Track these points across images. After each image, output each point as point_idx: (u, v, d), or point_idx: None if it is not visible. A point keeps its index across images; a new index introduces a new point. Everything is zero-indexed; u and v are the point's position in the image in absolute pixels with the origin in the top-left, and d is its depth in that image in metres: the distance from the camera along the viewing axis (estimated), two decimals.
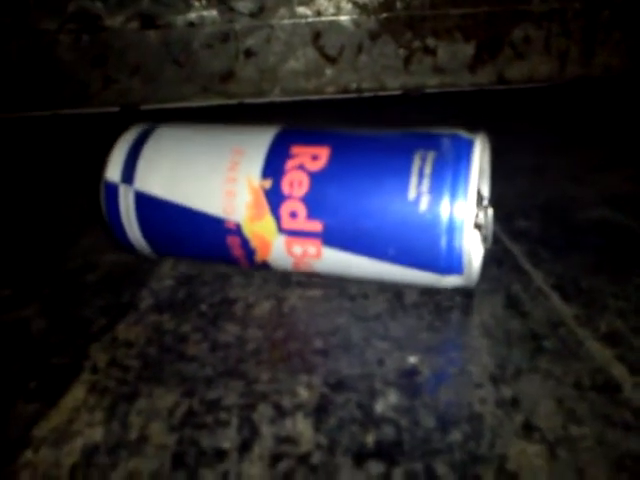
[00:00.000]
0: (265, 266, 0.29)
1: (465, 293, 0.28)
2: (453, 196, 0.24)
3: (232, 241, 0.28)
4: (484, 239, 0.30)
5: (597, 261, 0.31)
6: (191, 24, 0.98)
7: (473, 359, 0.23)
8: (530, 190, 0.44)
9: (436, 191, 0.25)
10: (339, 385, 0.22)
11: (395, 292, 0.29)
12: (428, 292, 0.29)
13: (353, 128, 0.30)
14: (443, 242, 0.25)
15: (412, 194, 0.25)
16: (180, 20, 0.98)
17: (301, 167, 0.27)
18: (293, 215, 0.27)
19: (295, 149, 0.27)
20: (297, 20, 0.97)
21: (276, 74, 1.00)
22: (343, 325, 0.26)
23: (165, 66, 1.00)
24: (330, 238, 0.26)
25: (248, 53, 0.99)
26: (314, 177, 0.27)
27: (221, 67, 1.00)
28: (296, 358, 0.24)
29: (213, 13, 0.98)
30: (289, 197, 0.27)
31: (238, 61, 0.99)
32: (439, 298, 0.28)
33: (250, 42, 0.98)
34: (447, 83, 0.99)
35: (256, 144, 0.28)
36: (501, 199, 0.42)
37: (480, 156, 0.26)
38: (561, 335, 0.24)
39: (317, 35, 0.97)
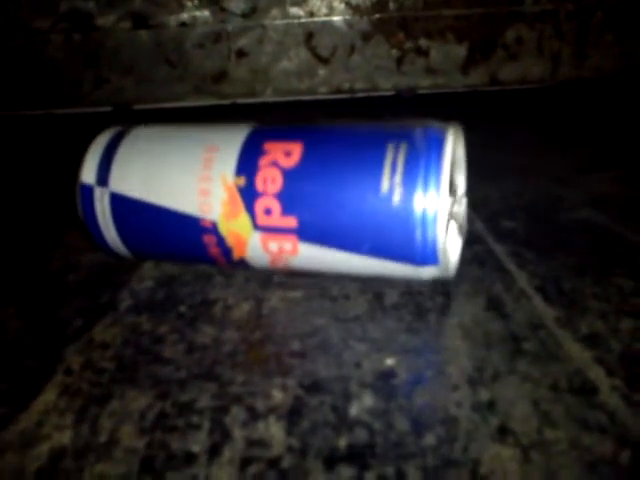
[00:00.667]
0: (243, 264, 0.29)
1: (446, 294, 0.28)
2: (426, 187, 0.24)
3: (208, 240, 0.28)
4: (459, 229, 0.29)
5: (580, 262, 0.31)
6: (183, 24, 0.98)
7: (451, 361, 0.23)
8: (516, 190, 0.43)
9: (409, 183, 0.25)
10: (314, 387, 0.22)
11: (376, 293, 0.28)
12: (409, 293, 0.28)
13: (327, 122, 0.30)
14: (418, 233, 0.25)
15: (385, 186, 0.25)
16: (172, 20, 0.97)
17: (274, 163, 0.27)
18: (268, 212, 0.26)
19: (268, 145, 0.27)
20: (290, 20, 0.97)
21: (268, 74, 1.00)
22: (322, 326, 0.26)
23: (157, 66, 0.99)
24: (305, 233, 0.26)
25: (240, 53, 0.98)
26: (287, 173, 0.26)
27: (213, 67, 0.99)
28: (272, 360, 0.23)
29: (205, 13, 0.97)
30: (263, 194, 0.26)
31: (230, 61, 0.99)
32: (420, 299, 0.28)
33: (242, 42, 0.98)
34: (439, 84, 0.99)
35: (229, 141, 0.28)
36: (486, 199, 0.42)
37: (453, 146, 0.26)
38: (541, 337, 0.24)
39: (310, 35, 0.97)
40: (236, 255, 0.28)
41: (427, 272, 0.26)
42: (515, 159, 0.53)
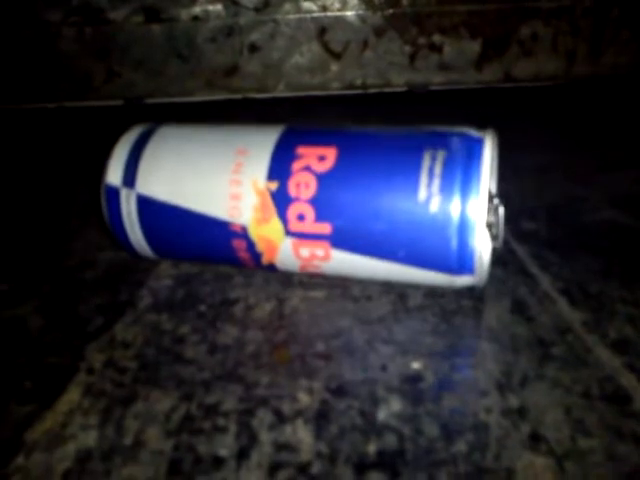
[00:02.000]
0: (272, 268, 0.29)
1: (470, 296, 0.28)
2: (464, 196, 0.24)
3: (238, 244, 0.28)
4: (494, 238, 0.29)
5: (605, 265, 0.30)
6: (195, 18, 0.97)
7: (478, 365, 0.23)
8: (536, 190, 0.43)
9: (447, 191, 0.24)
10: (340, 391, 0.21)
11: (399, 294, 0.28)
12: (432, 294, 0.28)
13: (360, 126, 0.30)
14: (454, 242, 0.24)
15: (422, 194, 0.24)
16: (184, 14, 0.97)
17: (308, 168, 0.26)
18: (301, 218, 0.26)
19: (301, 149, 0.27)
20: (302, 15, 0.96)
21: (281, 69, 0.99)
22: (346, 328, 0.25)
23: (169, 60, 0.99)
24: (339, 240, 0.26)
25: (252, 48, 0.98)
26: (321, 178, 0.26)
27: (225, 62, 0.99)
28: (297, 362, 0.23)
29: (218, 7, 0.97)
30: (296, 199, 0.26)
31: (242, 56, 0.99)
32: (444, 301, 0.27)
33: (255, 37, 0.97)
34: (453, 80, 0.98)
35: (261, 145, 0.28)
36: (506, 199, 0.41)
37: (490, 154, 0.25)
38: (569, 341, 0.24)
39: (322, 30, 0.96)
40: (266, 260, 0.28)
41: (462, 281, 0.26)
42: (532, 158, 0.52)
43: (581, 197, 0.41)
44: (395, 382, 0.22)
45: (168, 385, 0.22)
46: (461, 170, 0.24)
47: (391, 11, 0.95)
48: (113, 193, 0.29)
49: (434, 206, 0.24)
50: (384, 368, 0.23)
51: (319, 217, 0.26)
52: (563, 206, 0.40)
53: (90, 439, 0.19)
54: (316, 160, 0.26)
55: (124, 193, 0.29)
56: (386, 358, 0.23)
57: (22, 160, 0.63)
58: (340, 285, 0.29)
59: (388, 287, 0.29)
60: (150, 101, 1.01)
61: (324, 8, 0.96)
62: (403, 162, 0.25)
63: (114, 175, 0.29)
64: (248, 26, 0.97)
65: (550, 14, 0.93)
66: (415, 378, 0.22)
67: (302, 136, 0.28)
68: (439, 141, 0.26)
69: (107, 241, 0.36)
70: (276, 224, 0.27)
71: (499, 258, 0.31)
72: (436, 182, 0.24)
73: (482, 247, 0.24)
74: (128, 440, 0.19)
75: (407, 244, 0.25)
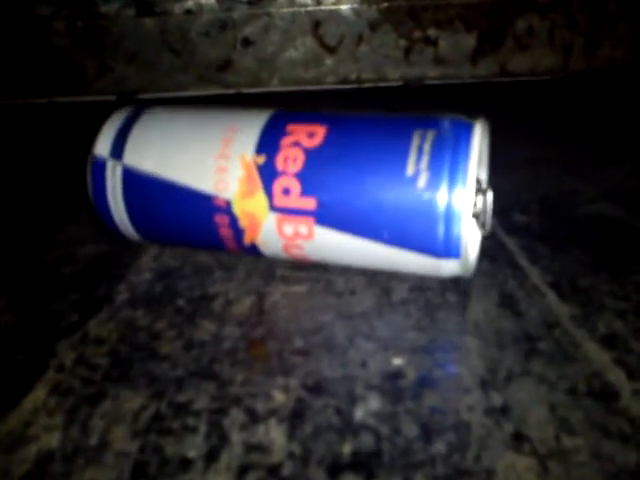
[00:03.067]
0: (253, 250, 0.28)
1: (457, 290, 0.27)
2: (453, 175, 0.23)
3: (220, 220, 0.27)
4: (482, 225, 0.28)
5: (596, 258, 0.29)
6: (188, 12, 0.96)
7: (462, 361, 0.22)
8: (528, 184, 0.42)
9: (435, 169, 0.24)
10: (318, 388, 0.20)
11: (384, 288, 0.27)
12: (418, 288, 0.27)
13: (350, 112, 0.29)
14: (441, 222, 0.24)
15: (410, 170, 0.24)
16: (177, 7, 0.96)
17: (297, 144, 0.26)
18: (286, 192, 0.25)
19: (291, 127, 0.27)
20: (296, 9, 0.95)
21: (274, 64, 0.98)
22: (327, 323, 0.25)
23: (162, 54, 0.98)
24: (323, 216, 0.25)
25: (246, 42, 0.97)
26: (310, 153, 0.25)
27: (219, 56, 0.98)
28: (274, 358, 0.22)
29: (211, 1, 0.96)
30: (283, 173, 0.25)
31: (236, 50, 0.98)
32: (429, 295, 0.27)
33: (248, 31, 0.96)
34: (448, 75, 0.97)
35: (251, 122, 0.27)
36: (498, 192, 0.40)
37: (480, 141, 0.24)
38: (556, 336, 0.23)
39: (317, 24, 0.95)
40: (247, 238, 0.27)
41: (447, 266, 0.25)
42: (526, 151, 0.51)
43: (574, 190, 0.40)
44: (375, 379, 0.21)
45: (139, 383, 0.21)
46: (450, 151, 0.24)
47: (386, 4, 0.94)
48: (100, 165, 0.29)
49: (421, 182, 0.24)
50: (364, 364, 0.22)
51: (305, 191, 0.25)
52: (555, 199, 0.39)
53: (53, 440, 0.19)
54: (305, 136, 0.26)
55: (110, 165, 0.29)
56: (366, 354, 0.22)
57: (12, 155, 0.62)
58: (323, 279, 0.28)
59: (373, 280, 0.28)
60: (143, 96, 1.00)
61: (318, 2, 0.95)
62: (392, 139, 0.25)
63: (102, 147, 0.29)
64: (242, 20, 0.96)
65: (546, 7, 0.92)
66: (396, 375, 0.21)
67: (293, 116, 0.28)
68: (429, 123, 0.25)
69: (90, 234, 0.35)
70: (261, 198, 0.26)
71: (488, 251, 0.31)
72: (425, 159, 0.24)
73: (469, 230, 0.24)
74: (93, 441, 0.18)
75: (392, 222, 0.24)
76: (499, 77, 0.98)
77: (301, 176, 0.25)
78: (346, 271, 0.28)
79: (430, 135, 0.24)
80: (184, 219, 0.28)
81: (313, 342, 0.23)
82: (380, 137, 0.25)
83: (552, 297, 0.26)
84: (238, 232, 0.27)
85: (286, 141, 0.26)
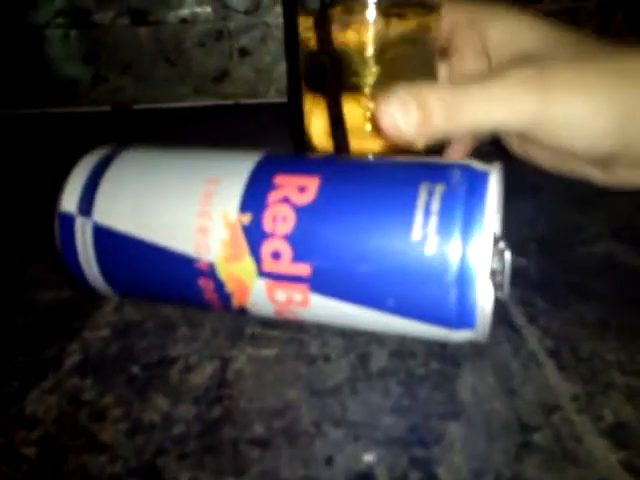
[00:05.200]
0: (243, 312, 0.25)
1: (443, 356, 0.24)
2: (465, 237, 0.20)
3: (204, 284, 0.24)
4: (498, 287, 0.25)
5: (601, 316, 0.26)
6: (184, 21, 0.94)
7: (443, 459, 0.19)
8: (529, 217, 0.39)
9: (445, 231, 0.21)
10: None
11: (361, 354, 0.24)
12: (399, 354, 0.24)
13: (346, 157, 0.26)
14: (453, 292, 0.21)
15: (417, 235, 0.21)
16: (172, 16, 0.93)
17: (286, 200, 0.23)
18: (276, 256, 0.22)
19: (279, 179, 0.23)
20: None
21: (272, 74, 0.95)
22: (293, 402, 0.22)
23: (157, 65, 0.96)
24: (319, 284, 0.22)
25: (243, 52, 0.94)
26: (301, 212, 0.22)
27: (215, 66, 0.95)
28: (227, 451, 0.19)
29: (207, 10, 0.93)
30: (271, 235, 0.22)
31: (232, 60, 0.95)
32: (411, 364, 0.24)
33: (245, 41, 0.94)
34: None
35: (234, 172, 0.24)
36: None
37: (496, 193, 0.21)
38: (555, 425, 0.20)
39: None
40: (236, 303, 0.25)
41: (460, 335, 0.22)
42: (528, 176, 0.48)
43: (578, 225, 0.37)
44: None
45: None
46: (462, 207, 0.21)
47: None
48: (67, 221, 0.26)
49: (430, 248, 0.21)
50: (329, 461, 0.19)
51: (297, 256, 0.22)
52: (557, 237, 0.36)
53: None
54: (296, 191, 0.23)
55: (79, 222, 0.26)
56: (334, 447, 0.19)
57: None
58: (296, 340, 0.25)
59: (350, 343, 0.25)
60: (138, 107, 0.98)
61: None
62: (395, 196, 0.22)
63: (69, 201, 0.26)
64: (238, 30, 0.94)
65: (552, 16, 0.89)
66: (365, 477, 0.18)
67: (281, 164, 0.25)
68: (437, 174, 0.22)
69: (54, 277, 0.32)
70: (248, 263, 0.23)
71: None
72: (433, 220, 0.21)
73: (485, 297, 0.21)
74: None
75: (397, 292, 0.22)
76: None
77: (292, 239, 0.22)
78: (322, 330, 0.26)
79: (439, 190, 0.21)
80: (165, 281, 0.26)
81: (275, 428, 0.20)
82: (381, 193, 0.22)
83: (551, 369, 0.23)
84: (225, 297, 0.24)
85: (274, 197, 0.23)
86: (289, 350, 0.25)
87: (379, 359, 0.24)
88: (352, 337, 0.25)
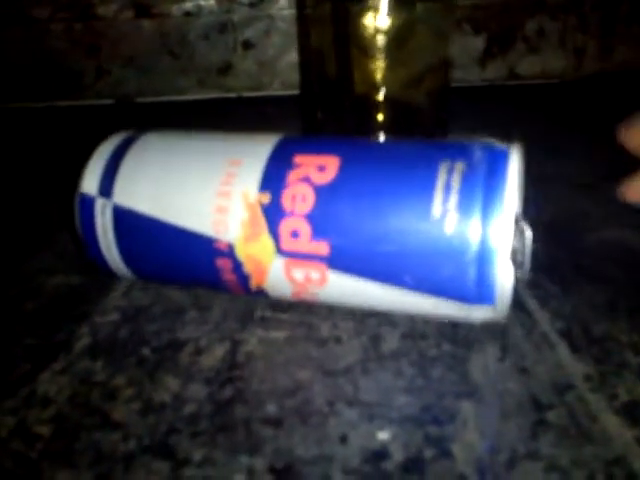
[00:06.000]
0: (261, 294, 0.25)
1: (454, 338, 0.24)
2: (486, 215, 0.20)
3: (223, 264, 0.24)
4: (519, 266, 0.25)
5: (612, 298, 0.26)
6: (187, 13, 0.93)
7: (458, 436, 0.19)
8: (535, 202, 0.39)
9: (465, 208, 0.20)
10: (287, 472, 0.17)
11: (372, 335, 0.24)
12: (411, 335, 0.24)
13: (367, 138, 0.26)
14: (472, 269, 0.21)
15: (437, 211, 0.21)
16: (175, 9, 0.93)
17: (305, 179, 0.23)
18: (295, 234, 0.22)
19: (299, 158, 0.23)
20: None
21: (276, 67, 0.95)
22: (305, 382, 0.22)
23: (160, 57, 0.95)
24: (338, 262, 0.22)
25: (247, 45, 0.94)
26: (320, 191, 0.22)
27: (218, 59, 0.95)
28: (240, 429, 0.19)
29: (210, 2, 0.93)
30: (291, 214, 0.22)
31: (236, 53, 0.95)
32: (423, 345, 0.23)
33: (249, 33, 0.93)
34: (455, 78, 0.94)
35: (255, 153, 0.24)
36: None
37: (517, 171, 0.21)
38: (569, 404, 0.20)
39: None
40: (254, 283, 0.24)
41: (480, 313, 0.22)
42: (535, 164, 0.48)
43: (586, 212, 0.37)
44: (355, 460, 0.18)
45: (82, 461, 0.18)
46: (483, 185, 0.21)
47: None
48: (88, 204, 0.26)
49: (450, 225, 0.21)
50: (344, 440, 0.19)
51: (316, 234, 0.22)
52: (566, 222, 0.36)
53: None
54: (315, 170, 0.23)
55: (99, 203, 0.26)
56: (348, 425, 0.19)
57: (6, 163, 0.59)
58: (306, 322, 0.25)
59: (361, 325, 0.25)
60: (141, 100, 0.97)
61: None
62: (415, 174, 0.22)
63: (90, 183, 0.26)
64: (242, 22, 0.93)
65: (557, 9, 0.89)
66: (379, 454, 0.18)
67: (301, 144, 0.25)
68: (457, 152, 0.22)
69: (63, 263, 0.32)
70: (266, 241, 0.23)
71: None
72: (453, 198, 0.21)
73: (504, 274, 0.21)
74: None
75: (417, 268, 0.21)
76: (508, 80, 0.94)
77: (311, 217, 0.22)
78: (332, 313, 0.26)
79: (459, 167, 0.21)
80: (184, 262, 0.25)
81: (288, 407, 0.20)
82: (401, 171, 0.22)
83: (563, 350, 0.23)
84: (243, 277, 0.24)
85: (293, 176, 0.23)
86: (299, 332, 0.25)
87: (391, 341, 0.24)
88: (363, 319, 0.25)
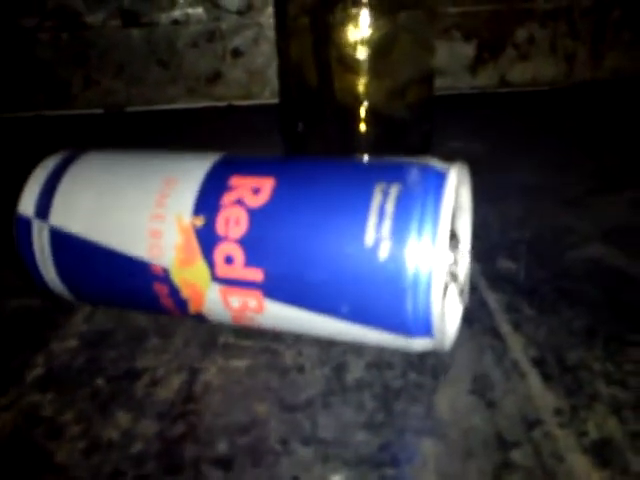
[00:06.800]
0: (202, 318, 0.24)
1: (422, 367, 0.23)
2: (420, 241, 0.19)
3: (160, 289, 0.23)
4: (460, 292, 0.24)
5: (590, 322, 0.25)
6: (175, 22, 0.93)
7: (416, 478, 0.18)
8: (520, 218, 0.38)
9: (399, 235, 0.19)
10: None
11: (337, 365, 0.23)
12: (377, 365, 0.23)
13: (304, 156, 0.25)
14: (408, 298, 0.20)
15: (370, 238, 0.20)
16: (164, 18, 0.93)
17: (239, 202, 0.22)
18: (229, 260, 0.21)
19: (235, 180, 0.22)
20: None
21: (265, 75, 0.94)
22: (262, 417, 0.21)
23: (149, 66, 0.95)
24: (273, 290, 0.21)
25: (235, 53, 0.93)
26: (254, 214, 0.21)
27: (207, 68, 0.94)
28: (188, 471, 0.18)
29: (198, 10, 0.92)
30: (224, 238, 0.21)
31: (225, 62, 0.94)
32: (389, 375, 0.22)
33: (237, 42, 0.93)
34: (445, 85, 0.93)
35: (190, 174, 0.23)
36: (485, 230, 0.36)
37: (456, 189, 0.21)
38: (536, 441, 0.19)
39: None
40: (192, 309, 0.24)
41: (419, 344, 0.21)
42: (523, 175, 0.47)
43: (569, 227, 0.36)
44: None
45: None
46: (418, 209, 0.20)
47: None
48: (25, 225, 0.25)
49: (383, 253, 0.20)
50: None
51: (249, 261, 0.21)
52: (548, 239, 0.35)
53: None
54: (250, 192, 0.22)
55: (36, 225, 0.25)
56: (301, 467, 0.18)
57: None
58: (271, 350, 0.24)
59: (327, 353, 0.24)
60: (131, 109, 0.97)
61: None
62: (349, 198, 0.21)
63: (27, 204, 0.25)
64: (231, 30, 0.93)
65: (547, 15, 0.88)
66: None
67: (238, 165, 0.24)
68: (394, 173, 0.21)
69: (24, 284, 0.31)
70: (201, 267, 0.22)
71: (466, 310, 0.26)
72: (387, 224, 0.20)
73: (443, 303, 0.20)
74: None
75: (352, 298, 0.20)
76: (499, 88, 0.94)
77: (244, 242, 0.21)
78: (298, 339, 0.24)
79: (394, 190, 0.20)
80: (122, 286, 0.25)
81: (240, 446, 0.19)
82: (335, 194, 0.21)
83: (534, 379, 0.22)
84: (181, 302, 0.23)
85: (228, 198, 0.22)
86: (262, 360, 0.24)
87: (355, 370, 0.23)
88: (328, 346, 0.24)
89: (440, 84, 0.93)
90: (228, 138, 0.63)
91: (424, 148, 0.43)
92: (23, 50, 0.94)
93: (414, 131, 0.43)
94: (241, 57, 0.93)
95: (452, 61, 0.92)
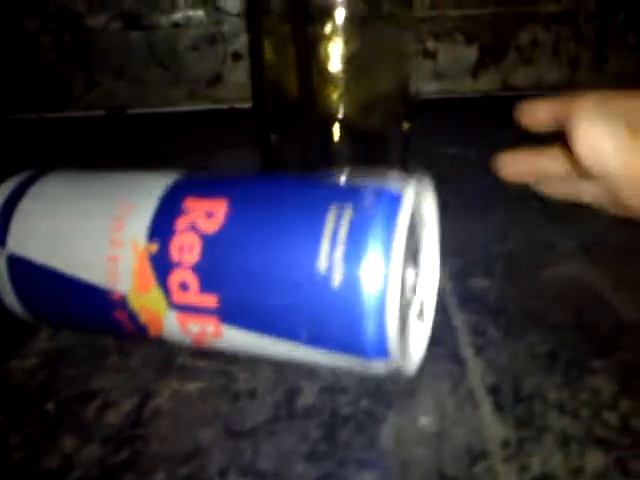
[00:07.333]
0: (164, 341, 0.24)
1: (377, 393, 0.22)
2: (373, 265, 0.19)
3: (120, 316, 0.23)
4: (420, 314, 0.24)
5: (554, 348, 0.25)
6: (176, 25, 0.93)
7: None
8: (502, 231, 0.37)
9: (352, 260, 0.19)
10: None
11: (290, 389, 0.23)
12: (330, 390, 0.23)
13: (260, 174, 0.25)
14: (364, 323, 0.19)
15: (323, 265, 0.19)
16: (164, 20, 0.93)
17: (193, 227, 0.21)
18: (184, 287, 0.21)
19: (189, 202, 0.22)
20: None
21: None
22: (205, 444, 0.20)
23: (150, 69, 0.95)
24: (230, 315, 0.21)
25: (236, 56, 0.93)
26: (207, 240, 0.21)
27: (208, 70, 0.94)
28: None
29: (199, 13, 0.92)
30: (179, 265, 0.21)
31: (226, 64, 0.94)
32: (340, 401, 0.22)
33: (238, 45, 0.93)
34: (447, 89, 0.92)
35: (146, 196, 0.23)
36: (463, 245, 0.36)
37: (414, 208, 0.20)
38: (477, 476, 0.18)
39: None
40: (152, 334, 0.24)
41: (377, 367, 0.21)
42: (509, 184, 0.46)
43: (550, 242, 0.35)
44: None
45: None
46: (371, 232, 0.19)
47: None
48: None
49: (337, 279, 0.19)
50: None
51: (204, 287, 0.21)
52: (526, 255, 0.34)
53: None
54: (204, 217, 0.21)
55: None
56: None
57: None
58: (226, 373, 0.24)
59: (282, 376, 0.24)
60: (132, 111, 0.97)
61: None
62: (302, 222, 0.20)
63: None
64: (231, 33, 0.93)
65: (551, 19, 0.87)
66: None
67: (193, 186, 0.23)
68: (348, 195, 0.21)
69: None
70: (156, 294, 0.22)
71: (433, 333, 0.26)
72: (340, 248, 0.19)
73: (400, 326, 0.19)
74: None
75: (309, 324, 0.20)
76: (502, 91, 0.93)
77: (198, 269, 0.21)
78: (254, 362, 0.24)
79: (347, 214, 0.20)
80: (83, 312, 0.24)
81: (178, 476, 0.19)
82: (287, 218, 0.21)
83: (487, 409, 0.21)
84: (141, 328, 0.23)
85: (182, 223, 0.22)
86: (216, 384, 0.24)
87: (307, 395, 0.23)
88: (284, 370, 0.24)
89: (441, 87, 0.93)
90: (230, 140, 0.63)
91: (403, 157, 0.43)
92: (25, 52, 0.94)
93: (394, 141, 0.43)
94: (242, 60, 0.93)
95: (454, 64, 0.91)
